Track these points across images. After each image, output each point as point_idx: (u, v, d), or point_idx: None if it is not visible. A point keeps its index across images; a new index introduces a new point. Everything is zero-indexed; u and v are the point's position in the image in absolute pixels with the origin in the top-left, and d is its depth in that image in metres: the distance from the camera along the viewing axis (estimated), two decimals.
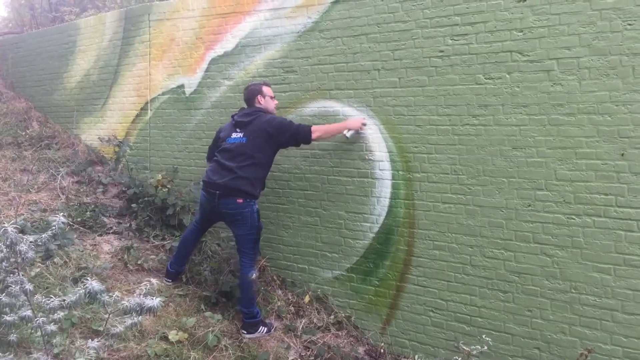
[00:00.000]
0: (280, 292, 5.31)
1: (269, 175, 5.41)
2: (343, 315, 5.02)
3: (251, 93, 4.94)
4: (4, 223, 2.80)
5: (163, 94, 6.47)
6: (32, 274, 4.43)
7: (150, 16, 6.59)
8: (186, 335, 4.27)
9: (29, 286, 2.77)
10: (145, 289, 2.81)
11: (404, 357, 4.71)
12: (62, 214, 3.23)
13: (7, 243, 2.70)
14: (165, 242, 5.61)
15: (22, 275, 2.84)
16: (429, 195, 4.57)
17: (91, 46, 7.49)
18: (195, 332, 4.32)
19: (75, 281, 4.54)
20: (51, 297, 2.85)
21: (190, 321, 4.41)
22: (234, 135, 4.79)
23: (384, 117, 4.78)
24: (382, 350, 4.77)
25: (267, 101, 4.94)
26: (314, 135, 4.68)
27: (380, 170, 4.82)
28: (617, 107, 3.76)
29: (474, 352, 3.41)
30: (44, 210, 5.64)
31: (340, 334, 4.90)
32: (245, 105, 5.03)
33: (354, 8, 4.90)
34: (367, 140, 4.88)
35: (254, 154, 4.65)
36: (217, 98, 5.88)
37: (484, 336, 3.87)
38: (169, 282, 5.06)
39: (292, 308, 5.10)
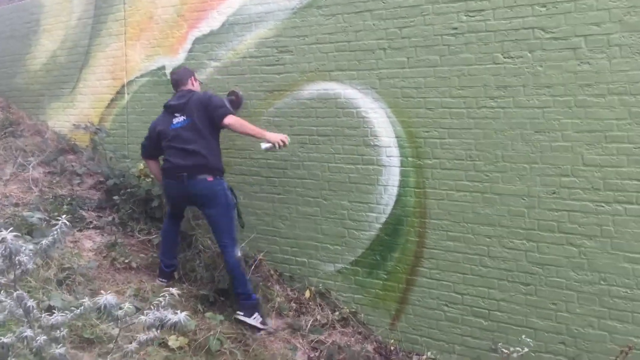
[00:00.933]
0: (278, 287, 4.98)
1: (264, 163, 5.09)
2: (348, 311, 4.73)
3: (185, 74, 4.81)
4: None
5: (142, 76, 6.00)
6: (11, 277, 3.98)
7: None
8: (187, 340, 3.93)
9: (31, 302, 2.38)
10: (165, 300, 2.43)
11: (416, 354, 4.46)
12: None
13: (5, 253, 2.30)
14: (152, 237, 5.22)
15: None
16: (441, 183, 4.29)
17: (57, 25, 6.92)
18: (196, 336, 3.97)
19: (60, 283, 4.12)
20: (53, 312, 2.46)
21: (190, 324, 4.04)
22: (175, 121, 4.60)
23: (391, 99, 4.45)
24: (392, 348, 4.51)
25: (197, 86, 4.89)
26: (227, 120, 4.45)
27: (387, 156, 4.51)
28: None
29: (515, 355, 3.16)
30: (16, 205, 5.15)
31: (346, 331, 4.62)
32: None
33: None
34: (372, 125, 4.56)
35: (203, 129, 4.49)
36: (202, 80, 5.43)
37: (523, 337, 3.62)
38: (163, 282, 4.68)
39: (294, 305, 4.78)
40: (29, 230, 4.57)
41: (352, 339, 4.54)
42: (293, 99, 4.94)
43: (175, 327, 2.36)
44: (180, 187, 4.50)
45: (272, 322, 4.55)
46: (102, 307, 2.29)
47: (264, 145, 4.51)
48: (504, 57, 3.97)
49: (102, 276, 4.50)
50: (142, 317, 2.40)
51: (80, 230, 5.11)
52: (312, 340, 4.37)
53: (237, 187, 5.27)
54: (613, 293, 3.72)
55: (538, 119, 3.88)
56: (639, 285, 3.64)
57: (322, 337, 4.41)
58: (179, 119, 4.58)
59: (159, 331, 2.47)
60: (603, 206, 3.71)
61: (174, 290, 2.46)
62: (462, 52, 4.12)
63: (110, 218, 5.36)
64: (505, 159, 4.02)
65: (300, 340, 4.38)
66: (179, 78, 4.80)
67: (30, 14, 7.25)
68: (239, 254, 4.49)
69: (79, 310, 2.45)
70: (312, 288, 4.92)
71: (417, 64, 4.32)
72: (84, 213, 5.37)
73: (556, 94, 3.80)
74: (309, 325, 4.51)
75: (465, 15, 4.09)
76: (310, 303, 4.79)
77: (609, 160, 3.67)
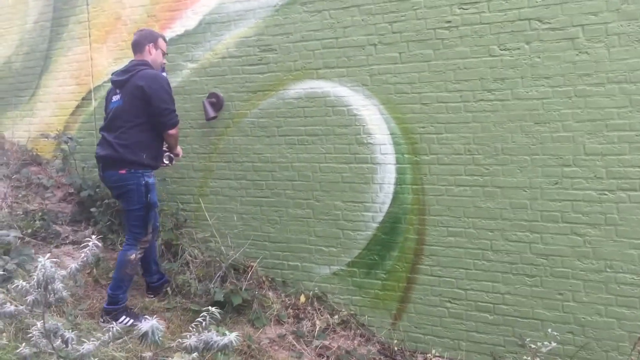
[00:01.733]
0: (272, 294, 4.82)
1: (249, 166, 4.92)
2: (347, 313, 4.62)
3: (143, 37, 4.34)
4: None
5: (110, 80, 5.69)
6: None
7: None
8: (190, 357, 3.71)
9: (70, 334, 2.15)
10: (204, 321, 2.26)
11: (421, 353, 4.39)
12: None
13: (40, 281, 2.07)
14: None
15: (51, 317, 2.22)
16: (440, 179, 4.24)
17: (11, 29, 6.51)
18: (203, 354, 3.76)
19: (49, 305, 3.82)
20: (83, 341, 2.25)
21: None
22: (114, 99, 4.31)
23: (384, 96, 4.37)
24: (395, 348, 4.43)
25: (158, 54, 4.39)
26: (173, 130, 4.27)
27: (381, 154, 4.43)
28: None
29: (544, 350, 3.12)
30: None
31: (347, 334, 4.51)
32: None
33: None
34: (364, 123, 4.47)
35: (132, 118, 4.15)
36: (178, 83, 5.22)
37: (549, 330, 3.60)
38: (151, 296, 4.45)
39: (291, 311, 4.64)
40: (5, 250, 4.25)
41: (355, 341, 4.44)
42: (279, 98, 4.78)
43: (227, 349, 2.18)
44: (100, 176, 4.37)
45: (273, 330, 4.39)
46: (148, 333, 2.08)
47: (169, 157, 4.57)
48: (501, 49, 3.95)
49: (89, 294, 4.23)
50: (185, 340, 2.21)
51: (57, 247, 4.81)
52: (317, 347, 4.24)
53: (221, 193, 5.13)
54: (620, 280, 3.75)
55: (538, 110, 3.87)
56: None
57: (326, 343, 4.28)
58: (116, 98, 4.27)
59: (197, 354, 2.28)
60: (606, 194, 3.74)
61: (214, 309, 2.28)
62: (457, 45, 4.07)
63: (87, 232, 5.06)
64: (505, 152, 4.00)
65: (305, 347, 4.24)
66: (136, 41, 4.36)
67: None
68: (133, 256, 4.14)
69: (106, 337, 2.24)
70: (307, 292, 4.79)
71: (410, 59, 4.24)
72: (58, 228, 5.07)
73: (555, 84, 3.81)
74: (313, 330, 4.36)
75: (459, 8, 4.04)
76: (308, 308, 4.66)
77: (610, 148, 3.70)
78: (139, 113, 4.15)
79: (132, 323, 3.97)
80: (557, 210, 3.89)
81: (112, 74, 4.41)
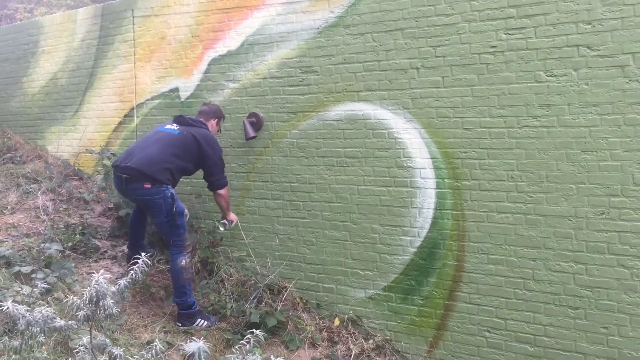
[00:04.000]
0: (306, 315, 4.78)
1: (287, 186, 4.93)
2: (382, 338, 4.55)
3: (212, 111, 4.91)
4: None
5: (152, 98, 5.80)
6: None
7: (134, 12, 5.89)
8: None
9: (118, 351, 2.16)
10: (248, 344, 2.23)
11: None
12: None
13: (92, 296, 2.08)
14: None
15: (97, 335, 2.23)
16: (481, 205, 4.17)
17: (58, 46, 6.69)
18: None
19: (87, 319, 3.86)
20: (128, 359, 2.25)
21: None
22: (167, 126, 4.71)
23: (425, 120, 4.34)
24: None
25: (215, 130, 4.93)
26: (222, 190, 4.69)
27: (421, 178, 4.38)
28: None
29: None
30: (28, 235, 4.88)
31: None
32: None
33: (385, 1, 4.43)
34: (405, 146, 4.44)
35: (181, 153, 4.52)
36: (219, 102, 5.27)
37: None
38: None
39: (325, 334, 4.59)
40: (47, 263, 4.32)
41: None
42: (319, 120, 4.79)
43: None
44: (120, 187, 4.56)
45: (307, 353, 4.34)
46: (195, 354, 2.07)
47: (224, 222, 4.87)
48: (547, 76, 3.89)
49: (126, 310, 4.26)
50: None
51: (96, 261, 4.87)
52: None
53: (258, 212, 5.15)
54: None
55: (585, 138, 3.79)
56: None
57: None
58: (172, 127, 4.66)
59: None
60: None
61: (258, 333, 2.26)
62: (502, 70, 4.03)
63: (125, 247, 5.11)
64: (550, 180, 3.92)
65: None
66: (205, 110, 4.89)
67: (28, 35, 7.01)
68: (184, 262, 4.42)
69: (150, 355, 2.23)
70: (342, 315, 4.74)
71: (453, 83, 4.21)
72: (97, 242, 5.13)
73: (603, 112, 3.72)
74: (349, 355, 4.30)
75: (505, 34, 4.00)
76: (342, 332, 4.60)
77: None
78: (188, 156, 4.55)
79: (207, 325, 4.43)
80: (603, 241, 3.78)
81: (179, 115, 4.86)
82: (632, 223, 3.69)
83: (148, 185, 4.32)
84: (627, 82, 3.65)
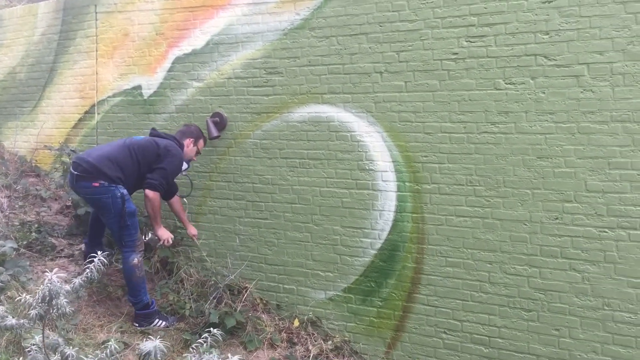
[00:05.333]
0: (265, 316, 4.78)
1: (249, 187, 4.93)
2: (340, 340, 4.58)
3: (189, 132, 4.87)
4: None
5: (114, 95, 5.72)
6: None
7: (97, 7, 5.81)
8: None
9: (70, 351, 2.12)
10: (205, 343, 2.23)
11: None
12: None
13: (45, 295, 2.04)
14: None
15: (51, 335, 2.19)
16: (440, 208, 4.24)
17: (18, 40, 6.54)
18: None
19: (40, 318, 3.78)
20: (82, 358, 2.21)
21: None
22: (136, 137, 4.78)
23: (388, 123, 4.40)
24: None
25: (192, 150, 4.86)
26: (151, 193, 4.45)
27: (383, 181, 4.44)
28: None
29: None
30: None
31: None
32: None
33: (351, 5, 4.48)
34: (367, 149, 4.48)
35: (135, 153, 4.48)
36: (183, 101, 5.25)
37: None
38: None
39: (284, 335, 4.59)
40: (0, 261, 4.21)
41: None
42: (282, 121, 4.81)
43: None
44: (72, 184, 4.51)
45: (265, 354, 4.34)
46: (150, 353, 2.05)
47: (151, 235, 4.81)
48: (506, 83, 3.99)
49: (82, 309, 4.19)
50: None
51: (52, 260, 4.77)
52: None
53: (219, 212, 5.13)
54: (617, 318, 3.74)
55: (540, 144, 3.90)
56: None
57: None
58: (140, 137, 4.75)
59: None
60: (606, 232, 3.75)
61: (216, 332, 2.25)
62: (463, 77, 4.11)
63: (82, 246, 5.02)
64: (507, 185, 4.02)
65: None
66: (181, 130, 4.92)
67: None
68: (136, 260, 4.36)
69: (104, 355, 2.20)
70: (302, 316, 4.75)
71: (415, 88, 4.28)
72: (53, 241, 5.03)
73: (559, 120, 3.84)
74: (308, 356, 4.32)
75: (466, 41, 4.09)
76: (302, 332, 4.62)
77: (612, 186, 3.72)
78: (143, 159, 4.49)
79: (165, 325, 4.42)
80: (556, 246, 3.89)
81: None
82: (584, 228, 3.81)
83: (96, 184, 4.27)
84: (581, 92, 3.77)
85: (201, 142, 4.91)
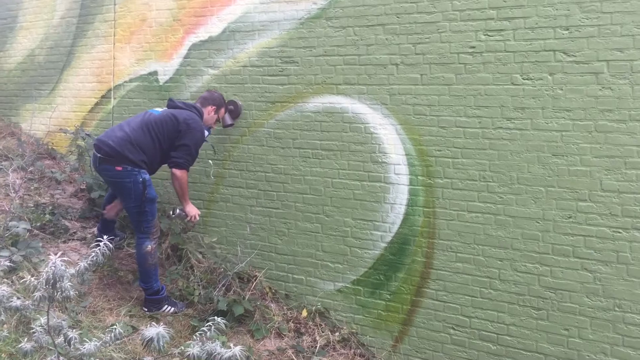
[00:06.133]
0: (274, 305, 4.79)
1: (262, 176, 4.92)
2: (348, 331, 4.58)
3: (211, 99, 4.79)
4: None
5: (130, 80, 5.74)
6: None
7: None
8: None
9: (73, 334, 2.13)
10: (209, 331, 2.23)
11: None
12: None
13: (49, 278, 2.06)
14: None
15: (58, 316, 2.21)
16: (452, 203, 4.21)
17: (37, 23, 6.58)
18: None
19: (51, 300, 3.82)
20: (85, 341, 2.22)
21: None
22: (156, 108, 4.71)
23: (402, 116, 4.36)
24: None
25: (212, 118, 4.80)
26: (178, 171, 4.43)
27: (395, 174, 4.41)
28: None
29: None
30: None
31: (346, 352, 4.47)
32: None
33: None
34: (380, 142, 4.45)
35: (154, 132, 4.42)
36: (198, 88, 5.25)
37: None
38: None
39: (292, 324, 4.60)
40: (13, 242, 4.26)
41: None
42: (297, 111, 4.79)
43: None
44: (94, 165, 4.50)
45: (272, 343, 4.35)
46: (153, 339, 2.06)
47: (179, 211, 4.65)
48: (523, 79, 3.93)
49: (92, 292, 4.23)
50: (188, 349, 2.18)
51: (64, 242, 4.82)
52: None
53: (231, 200, 5.13)
54: (627, 320, 3.69)
55: (556, 142, 3.84)
56: None
57: (325, 359, 4.24)
58: (158, 109, 4.64)
59: None
60: (620, 232, 3.69)
61: (220, 320, 2.25)
62: (479, 71, 4.06)
63: (95, 229, 5.06)
64: (521, 181, 3.97)
65: None
66: (205, 97, 4.80)
67: (7, 10, 6.88)
68: (149, 247, 4.36)
69: (108, 338, 2.22)
70: (310, 307, 4.75)
71: (431, 81, 4.24)
72: (67, 223, 5.07)
73: (576, 117, 3.78)
74: (314, 346, 4.32)
75: (484, 35, 4.03)
76: (309, 323, 4.62)
77: (628, 186, 3.66)
78: (163, 137, 4.43)
79: (174, 311, 4.44)
80: (569, 245, 3.84)
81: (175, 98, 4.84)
82: (597, 228, 3.75)
83: (119, 168, 4.26)
84: (600, 89, 3.71)
85: (222, 110, 4.84)
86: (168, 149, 4.45)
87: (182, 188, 4.49)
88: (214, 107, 4.76)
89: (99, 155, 4.32)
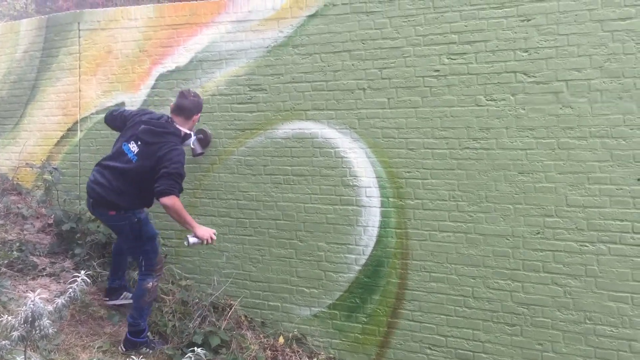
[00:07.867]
0: (249, 334, 4.75)
1: (234, 203, 4.92)
2: (326, 357, 4.57)
3: (194, 107, 4.25)
4: None
5: (97, 112, 5.70)
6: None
7: (80, 25, 5.80)
8: None
9: None
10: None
11: None
12: None
13: (27, 316, 2.02)
14: None
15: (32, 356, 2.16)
16: (424, 224, 4.27)
17: (0, 57, 6.51)
18: None
19: (22, 339, 3.72)
20: None
21: None
22: (131, 145, 4.13)
23: (371, 140, 4.43)
24: None
25: (190, 125, 4.31)
26: (165, 198, 3.92)
27: (367, 197, 4.46)
28: (631, 130, 3.67)
29: None
30: None
31: None
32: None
33: (334, 23, 4.53)
34: (351, 165, 4.51)
35: (141, 174, 4.05)
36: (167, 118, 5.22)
37: None
38: (106, 300, 4.59)
39: (269, 352, 4.56)
40: None
41: None
42: (267, 137, 4.82)
43: None
44: (90, 208, 4.32)
45: None
46: None
47: (191, 240, 4.06)
48: (487, 100, 4.04)
49: (64, 329, 4.13)
50: None
51: (33, 279, 4.71)
52: None
53: None
54: (598, 332, 3.78)
55: (521, 160, 3.95)
56: (624, 324, 3.71)
57: None
58: (133, 148, 4.11)
59: None
60: (587, 246, 3.80)
61: (200, 351, 2.24)
62: (444, 94, 4.16)
63: (65, 264, 4.97)
64: (489, 200, 4.06)
65: None
66: (186, 107, 4.22)
67: None
68: (150, 284, 4.16)
69: None
70: (286, 333, 4.73)
71: (398, 104, 4.32)
72: (35, 259, 4.96)
73: (539, 136, 3.90)
74: None
75: (447, 58, 4.15)
76: (287, 350, 4.59)
77: (592, 201, 3.77)
78: (147, 173, 4.04)
79: (150, 353, 4.23)
80: (538, 260, 3.93)
81: (143, 113, 4.38)
82: (565, 242, 3.85)
83: (113, 213, 4.13)
84: (560, 108, 3.84)
85: (198, 115, 4.36)
86: (153, 176, 4.02)
87: (179, 214, 4.02)
88: (197, 115, 4.33)
89: (91, 199, 4.20)
